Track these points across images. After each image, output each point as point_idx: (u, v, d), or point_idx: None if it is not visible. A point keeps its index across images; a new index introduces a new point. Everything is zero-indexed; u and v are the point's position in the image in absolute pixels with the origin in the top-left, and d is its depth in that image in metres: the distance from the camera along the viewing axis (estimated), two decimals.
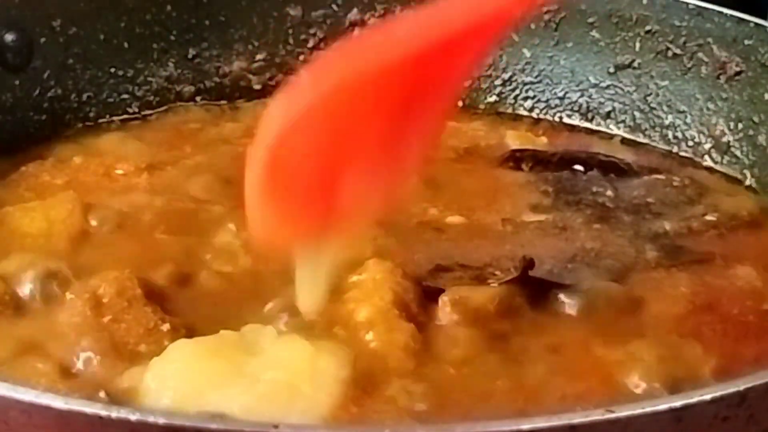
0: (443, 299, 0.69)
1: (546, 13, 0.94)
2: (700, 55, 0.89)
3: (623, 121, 0.93)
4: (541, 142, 0.91)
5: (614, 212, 0.81)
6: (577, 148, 0.90)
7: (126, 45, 0.92)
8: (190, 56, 0.95)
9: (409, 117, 0.60)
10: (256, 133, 0.59)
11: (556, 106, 0.95)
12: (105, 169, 0.83)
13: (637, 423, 0.50)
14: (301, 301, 0.64)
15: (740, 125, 0.88)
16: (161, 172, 0.83)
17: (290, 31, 0.96)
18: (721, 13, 0.88)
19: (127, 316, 0.66)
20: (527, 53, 0.95)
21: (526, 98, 0.96)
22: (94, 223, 0.76)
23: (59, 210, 0.76)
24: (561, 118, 0.95)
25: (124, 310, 0.66)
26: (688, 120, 0.91)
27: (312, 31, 0.96)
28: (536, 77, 0.96)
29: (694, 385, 0.60)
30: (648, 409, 0.51)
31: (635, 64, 0.92)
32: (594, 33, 0.93)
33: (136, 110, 0.93)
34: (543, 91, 0.95)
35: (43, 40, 0.89)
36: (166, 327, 0.66)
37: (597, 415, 0.50)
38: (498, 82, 0.96)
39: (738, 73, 0.88)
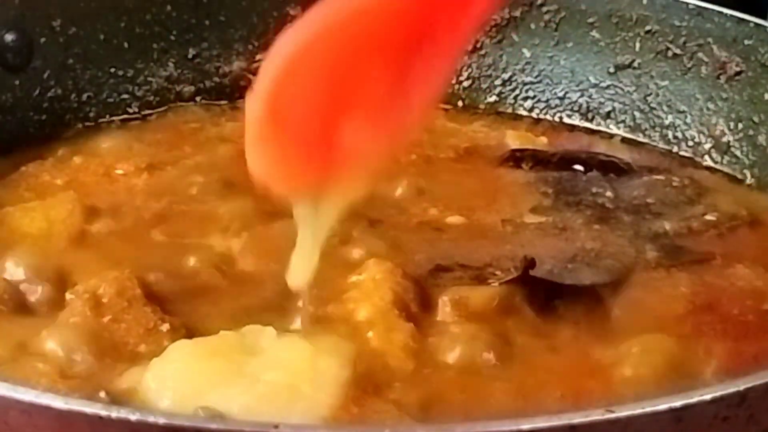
0: (443, 299, 0.69)
1: (546, 13, 0.94)
2: (700, 55, 0.89)
3: (623, 121, 0.93)
4: (541, 142, 0.91)
5: (614, 212, 0.81)
6: (577, 148, 0.90)
7: (126, 45, 0.92)
8: (190, 56, 0.95)
9: (413, 60, 0.58)
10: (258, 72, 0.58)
11: (556, 106, 0.95)
12: (105, 169, 0.83)
13: (637, 423, 0.50)
14: (293, 271, 0.63)
15: (740, 125, 0.88)
16: (161, 172, 0.83)
17: None
18: (721, 13, 0.88)
19: (127, 316, 0.66)
20: (527, 53, 0.95)
21: (526, 98, 0.96)
22: (94, 223, 0.76)
23: (59, 210, 0.76)
24: (561, 118, 0.95)
25: (124, 310, 0.66)
26: (688, 120, 0.91)
27: None
28: (536, 77, 0.96)
29: (694, 385, 0.60)
30: (648, 409, 0.51)
31: (635, 64, 0.92)
32: (594, 33, 0.93)
33: (136, 110, 0.93)
34: (543, 91, 0.95)
35: (43, 40, 0.89)
36: (165, 327, 0.66)
37: (597, 415, 0.50)
38: (498, 82, 0.96)
39: (738, 73, 0.88)
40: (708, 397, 0.52)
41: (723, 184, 0.87)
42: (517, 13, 0.94)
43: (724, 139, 0.89)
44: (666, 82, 0.91)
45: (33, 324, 0.67)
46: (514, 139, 0.91)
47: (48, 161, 0.84)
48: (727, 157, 0.89)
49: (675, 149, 0.91)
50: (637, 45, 0.92)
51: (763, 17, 0.88)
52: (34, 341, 0.65)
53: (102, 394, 0.60)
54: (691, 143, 0.90)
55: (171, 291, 0.69)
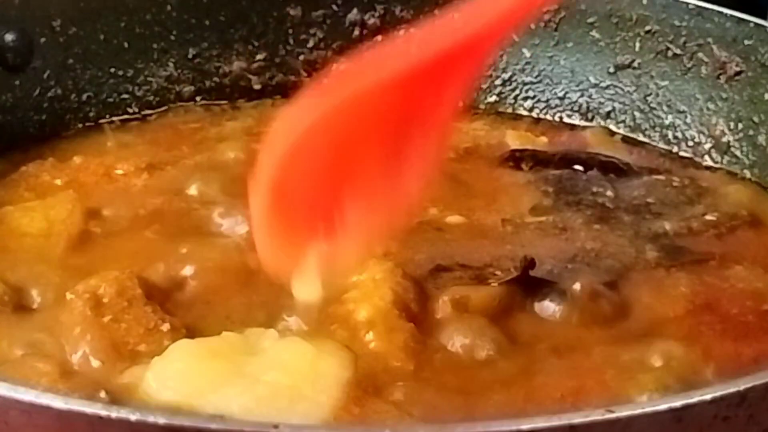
0: (443, 299, 0.69)
1: (546, 13, 0.94)
2: (700, 55, 0.89)
3: (623, 121, 0.93)
4: (541, 142, 0.91)
5: (614, 212, 0.81)
6: (577, 148, 0.90)
7: (126, 45, 0.92)
8: (190, 56, 0.95)
9: (405, 138, 0.60)
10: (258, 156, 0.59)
11: (556, 106, 0.95)
12: (105, 169, 0.83)
13: (637, 423, 0.50)
14: (298, 289, 0.64)
15: (740, 125, 0.88)
16: (161, 172, 0.83)
17: (290, 31, 0.96)
18: (721, 13, 0.88)
19: (127, 316, 0.66)
20: (527, 53, 0.95)
21: (526, 98, 0.96)
22: (93, 223, 0.76)
23: (59, 210, 0.76)
24: (561, 118, 0.95)
25: (124, 310, 0.66)
26: (688, 120, 0.91)
27: (312, 31, 0.96)
28: (536, 77, 0.96)
29: (694, 385, 0.60)
30: (648, 409, 0.51)
31: (635, 64, 0.92)
32: (594, 33, 0.93)
33: (136, 110, 0.93)
34: (543, 91, 0.95)
35: (43, 40, 0.89)
36: (166, 327, 0.66)
37: (597, 415, 0.50)
38: (498, 82, 0.96)
39: (738, 73, 0.88)
40: (708, 397, 0.52)
41: (723, 184, 0.87)
42: None
43: (724, 139, 0.89)
44: (666, 82, 0.91)
45: (33, 324, 0.67)
46: (514, 139, 0.91)
47: (48, 161, 0.84)
48: (727, 157, 0.89)
49: (675, 149, 0.91)
50: (637, 45, 0.92)
51: (763, 17, 0.88)
52: (35, 341, 0.65)
53: (102, 394, 0.60)
54: (691, 143, 0.90)
55: (171, 291, 0.69)
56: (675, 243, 0.78)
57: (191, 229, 0.76)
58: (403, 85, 0.58)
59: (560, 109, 0.95)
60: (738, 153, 0.88)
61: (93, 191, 0.80)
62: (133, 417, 0.49)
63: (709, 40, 0.89)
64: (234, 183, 0.80)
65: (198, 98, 0.95)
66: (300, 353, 0.62)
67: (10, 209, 0.77)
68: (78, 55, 0.91)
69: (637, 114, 0.93)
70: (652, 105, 0.92)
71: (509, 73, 0.96)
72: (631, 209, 0.81)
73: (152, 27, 0.93)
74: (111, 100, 0.92)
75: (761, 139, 0.87)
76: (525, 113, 0.96)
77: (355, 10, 0.96)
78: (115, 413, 0.49)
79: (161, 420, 0.49)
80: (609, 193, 0.83)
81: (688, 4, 0.89)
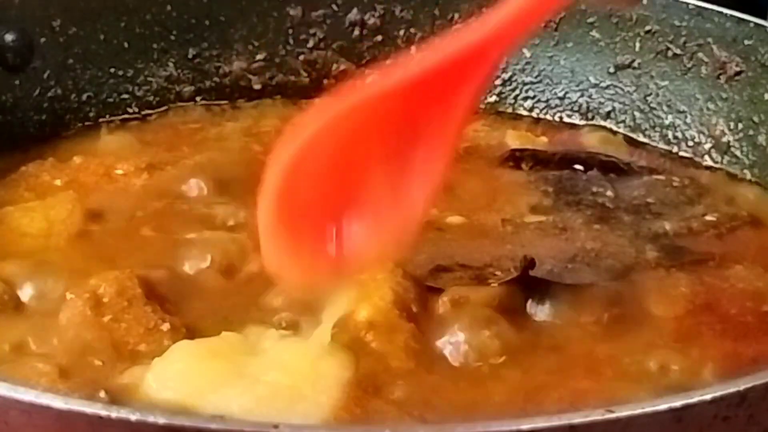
0: (443, 299, 0.69)
1: None
2: (700, 55, 0.89)
3: (623, 121, 0.93)
4: (541, 142, 0.91)
5: (614, 212, 0.81)
6: (577, 148, 0.90)
7: (126, 45, 0.92)
8: (190, 56, 0.95)
9: (416, 143, 0.60)
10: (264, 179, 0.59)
11: (556, 106, 0.95)
12: (105, 169, 0.83)
13: (637, 423, 0.50)
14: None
15: (740, 125, 0.88)
16: (161, 172, 0.83)
17: (290, 31, 0.96)
18: (721, 13, 0.88)
19: (127, 315, 0.66)
20: (527, 53, 0.95)
21: (526, 98, 0.96)
22: (93, 223, 0.76)
23: (59, 210, 0.76)
24: (561, 118, 0.95)
25: (124, 310, 0.66)
26: (688, 120, 0.91)
27: (312, 31, 0.96)
28: (536, 77, 0.96)
29: (694, 385, 0.60)
30: (648, 409, 0.51)
31: (635, 64, 0.92)
32: (594, 33, 0.93)
33: (136, 110, 0.93)
34: (543, 91, 0.95)
35: (43, 40, 0.89)
36: (166, 327, 0.66)
37: (597, 415, 0.50)
38: (498, 82, 0.96)
39: (738, 73, 0.88)
40: (708, 397, 0.52)
41: (723, 184, 0.87)
42: None
43: (724, 139, 0.89)
44: (666, 82, 0.91)
45: (33, 324, 0.67)
46: (514, 139, 0.91)
47: (48, 161, 0.84)
48: (727, 157, 0.89)
49: (675, 149, 0.91)
50: (637, 45, 0.92)
51: (763, 17, 0.88)
52: (34, 341, 0.65)
53: (102, 394, 0.60)
54: (691, 143, 0.90)
55: (171, 291, 0.69)
56: (675, 243, 0.78)
57: (191, 229, 0.76)
58: (411, 93, 0.58)
59: (560, 109, 0.95)
60: (738, 153, 0.88)
61: (93, 191, 0.80)
62: (133, 417, 0.49)
63: (709, 40, 0.89)
64: (234, 183, 0.80)
65: (198, 98, 0.95)
66: (300, 353, 0.62)
67: (10, 209, 0.77)
68: (78, 55, 0.91)
69: (637, 114, 0.93)
70: (652, 105, 0.92)
71: (509, 73, 0.96)
72: (631, 209, 0.81)
73: (152, 27, 0.93)
74: (111, 100, 0.92)
75: (761, 139, 0.87)
76: (525, 113, 0.96)
77: (355, 10, 0.96)
78: (115, 413, 0.49)
79: (161, 420, 0.49)
80: (609, 193, 0.83)
81: (688, 4, 0.89)
